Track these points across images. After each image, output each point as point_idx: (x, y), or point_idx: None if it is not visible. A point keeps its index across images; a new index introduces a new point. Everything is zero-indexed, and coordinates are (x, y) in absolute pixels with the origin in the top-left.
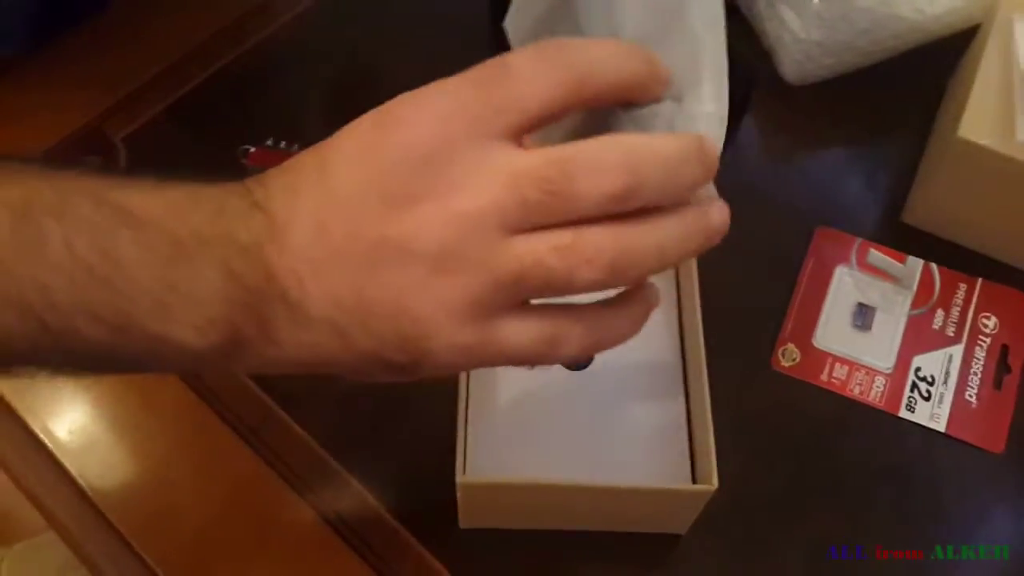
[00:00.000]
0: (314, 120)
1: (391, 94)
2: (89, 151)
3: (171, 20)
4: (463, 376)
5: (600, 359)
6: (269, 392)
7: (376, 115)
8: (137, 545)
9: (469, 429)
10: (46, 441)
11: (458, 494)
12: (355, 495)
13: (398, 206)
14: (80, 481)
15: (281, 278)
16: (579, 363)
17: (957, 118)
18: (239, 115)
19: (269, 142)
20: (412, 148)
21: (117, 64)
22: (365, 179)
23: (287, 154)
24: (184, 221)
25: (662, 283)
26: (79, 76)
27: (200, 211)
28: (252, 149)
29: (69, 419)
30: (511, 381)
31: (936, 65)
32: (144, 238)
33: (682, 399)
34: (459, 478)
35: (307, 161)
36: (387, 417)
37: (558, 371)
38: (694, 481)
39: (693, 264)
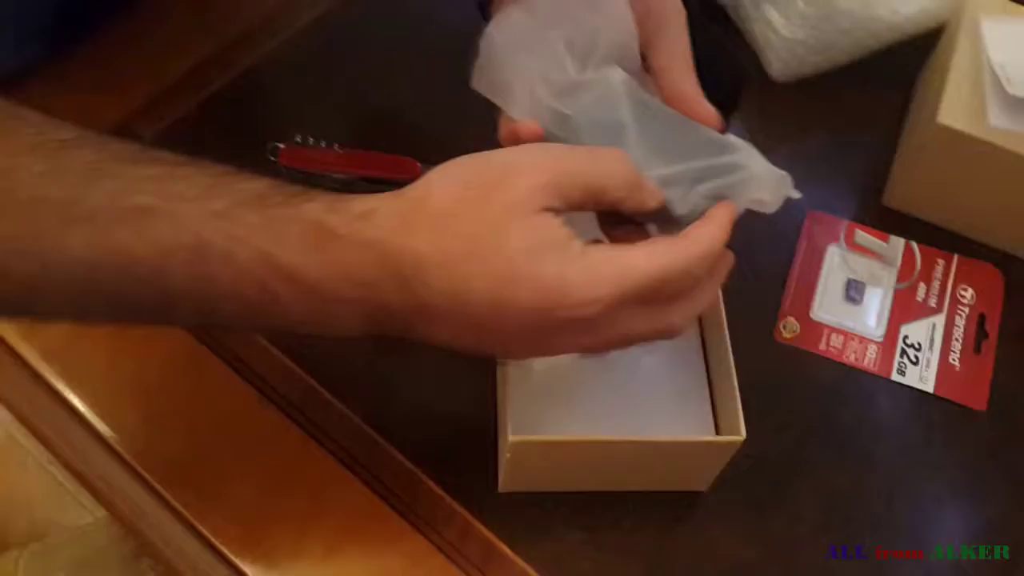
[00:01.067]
0: (338, 118)
1: (404, 89)
2: None
3: (197, 20)
4: None
5: None
6: (312, 374)
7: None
8: (193, 518)
9: (508, 396)
10: (98, 426)
11: (507, 454)
12: (399, 467)
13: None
14: (135, 465)
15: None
16: None
17: (935, 107)
18: (267, 113)
19: (298, 139)
20: None
21: (145, 64)
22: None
23: (317, 151)
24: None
25: None
26: (107, 77)
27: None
28: (282, 146)
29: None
30: None
31: (906, 62)
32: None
33: (703, 364)
34: (510, 437)
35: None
36: (425, 394)
37: None
38: None
39: None
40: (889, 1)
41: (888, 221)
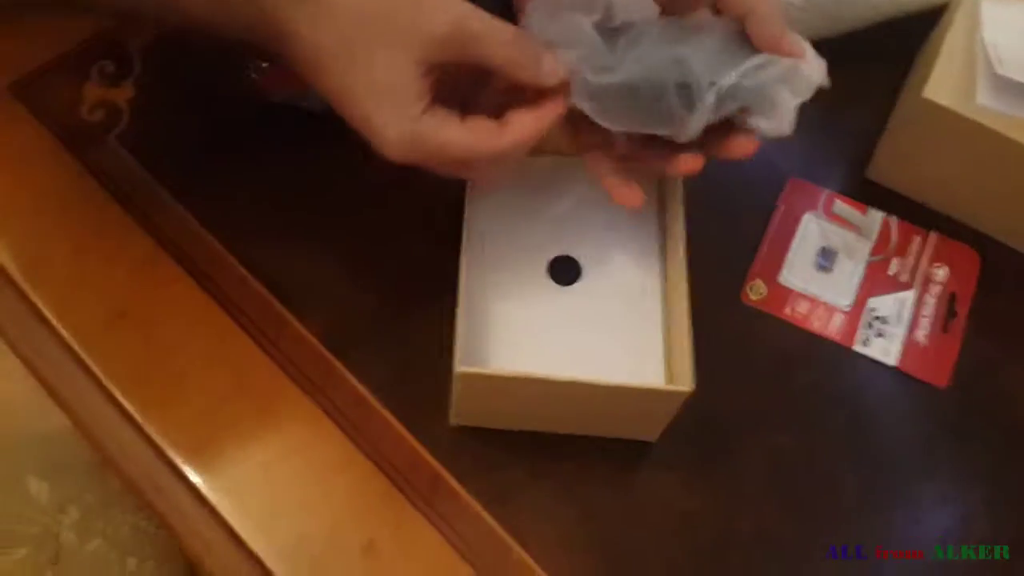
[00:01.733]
0: None
1: None
2: (104, 58)
3: None
4: (462, 277)
5: (588, 275)
6: (273, 290)
7: None
8: (144, 422)
9: (464, 329)
10: (64, 333)
11: (455, 385)
12: (351, 390)
13: None
14: (95, 369)
15: None
16: (567, 280)
17: (923, 81)
18: None
19: None
20: None
21: None
22: None
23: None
24: None
25: (647, 208)
26: None
27: None
28: (265, 65)
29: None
30: (505, 287)
31: (908, 38)
32: None
33: (661, 313)
34: (457, 368)
35: None
36: (385, 317)
37: (549, 286)
38: None
39: (679, 187)
40: None
41: (869, 194)
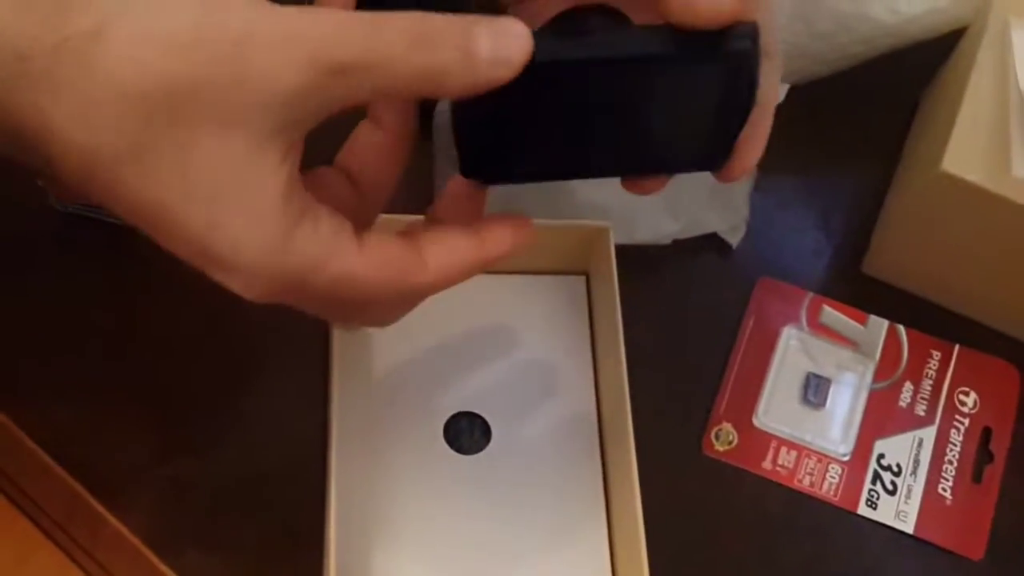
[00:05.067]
0: None
1: None
2: None
3: None
4: (331, 448)
5: (499, 440)
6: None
7: None
8: None
9: (336, 523)
10: None
11: None
12: None
13: None
14: None
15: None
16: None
17: (940, 146)
18: None
19: None
20: None
21: None
22: None
23: None
24: None
25: (576, 335)
26: None
27: None
28: None
29: None
30: (388, 460)
31: (909, 76)
32: None
33: (600, 490)
34: None
35: None
36: (230, 501)
37: (449, 459)
38: None
39: (616, 309)
40: None
41: (868, 295)
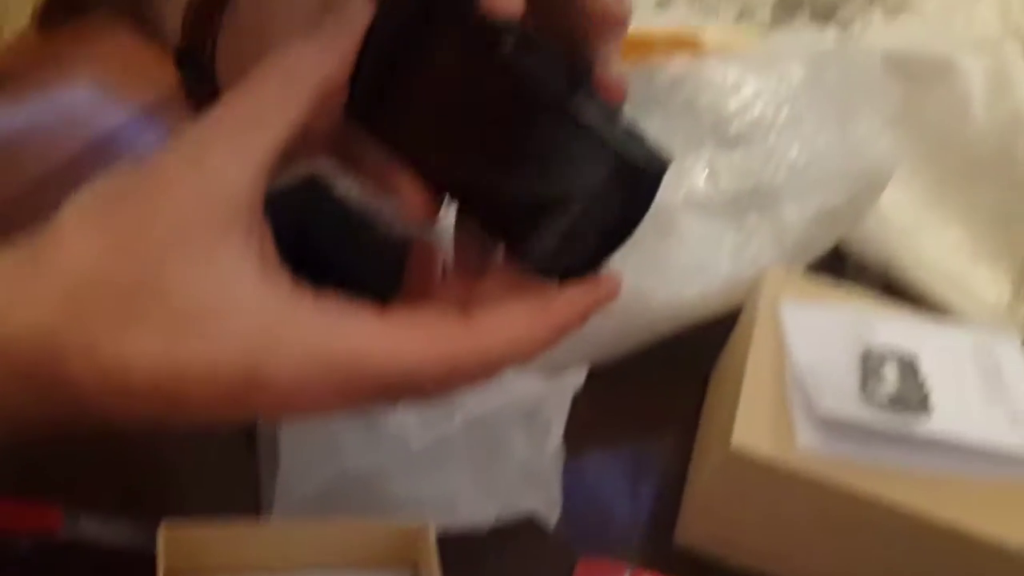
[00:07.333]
0: None
1: None
2: None
3: None
4: None
5: None
6: None
7: None
8: None
9: None
10: None
11: None
12: None
13: None
14: None
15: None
16: None
17: (728, 421)
18: None
19: None
20: None
21: None
22: None
23: None
24: None
25: None
26: None
27: None
28: None
29: None
30: None
31: (702, 350)
32: None
33: None
34: None
35: None
36: None
37: None
38: None
39: None
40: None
41: (682, 566)
